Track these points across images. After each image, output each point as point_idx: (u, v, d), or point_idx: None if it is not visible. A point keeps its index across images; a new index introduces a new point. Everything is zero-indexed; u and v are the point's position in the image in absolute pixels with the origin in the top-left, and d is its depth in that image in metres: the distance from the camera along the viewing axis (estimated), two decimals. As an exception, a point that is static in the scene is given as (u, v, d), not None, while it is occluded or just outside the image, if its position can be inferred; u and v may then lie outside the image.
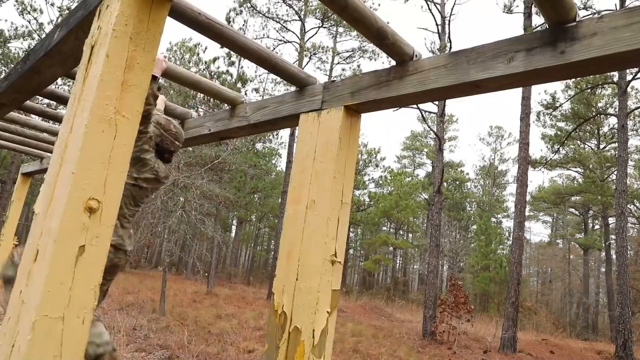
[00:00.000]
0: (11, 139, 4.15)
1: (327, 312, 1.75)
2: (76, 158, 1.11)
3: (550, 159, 23.52)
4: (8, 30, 21.55)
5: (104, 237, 1.15)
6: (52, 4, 20.73)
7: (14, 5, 21.92)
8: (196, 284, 22.60)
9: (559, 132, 23.96)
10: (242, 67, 20.13)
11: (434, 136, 16.43)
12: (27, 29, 21.51)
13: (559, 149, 23.18)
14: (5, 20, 31.45)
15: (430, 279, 13.22)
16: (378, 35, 1.67)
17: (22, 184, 5.47)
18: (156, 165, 2.36)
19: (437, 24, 15.40)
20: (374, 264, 32.88)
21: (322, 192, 1.86)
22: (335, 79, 1.97)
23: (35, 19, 22.09)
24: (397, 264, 41.87)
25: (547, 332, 21.90)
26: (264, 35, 21.24)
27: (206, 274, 21.13)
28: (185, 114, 2.98)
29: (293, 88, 2.24)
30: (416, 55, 1.80)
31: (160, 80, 2.45)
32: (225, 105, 2.65)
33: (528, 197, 21.70)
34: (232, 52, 19.20)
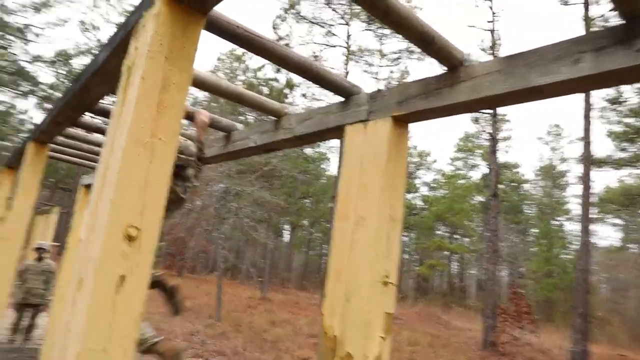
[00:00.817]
0: (72, 153, 4.36)
1: (381, 337, 1.64)
2: (114, 184, 1.08)
3: (618, 157, 21.99)
4: (72, 49, 23.05)
5: (144, 265, 1.11)
6: (110, 22, 21.96)
7: (78, 25, 23.45)
8: (250, 289, 23.01)
9: (627, 129, 22.35)
10: (288, 73, 20.34)
11: (488, 137, 15.80)
12: (88, 47, 22.85)
13: (628, 146, 21.60)
14: (69, 40, 33.59)
15: (488, 286, 12.68)
16: (423, 40, 1.56)
17: (83, 195, 5.74)
18: (177, 188, 2.60)
19: (488, 22, 14.84)
20: (429, 269, 32.11)
21: (370, 207, 1.76)
22: (381, 88, 1.87)
23: (95, 36, 23.54)
24: (453, 269, 40.65)
25: (624, 345, 20.36)
26: (309, 40, 21.35)
27: (260, 279, 21.47)
28: (231, 127, 2.97)
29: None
30: (467, 60, 1.66)
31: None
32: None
33: (594, 199, 20.40)
34: (280, 60, 19.47)
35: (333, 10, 21.19)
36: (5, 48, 23.03)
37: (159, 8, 1.20)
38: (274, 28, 22.54)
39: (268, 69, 23.17)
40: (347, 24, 21.30)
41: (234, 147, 2.91)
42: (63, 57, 24.30)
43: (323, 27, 21.58)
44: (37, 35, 23.41)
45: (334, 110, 2.12)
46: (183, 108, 1.22)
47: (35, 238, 15.56)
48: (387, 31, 22.09)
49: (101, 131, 3.38)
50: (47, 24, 23.26)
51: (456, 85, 1.62)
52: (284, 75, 21.92)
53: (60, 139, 3.80)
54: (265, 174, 16.81)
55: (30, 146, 3.43)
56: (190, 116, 2.83)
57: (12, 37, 22.90)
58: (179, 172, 2.71)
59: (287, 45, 22.62)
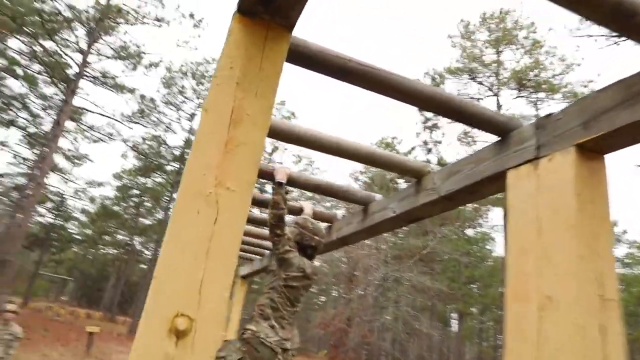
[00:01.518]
0: None
1: None
2: (162, 255, 0.76)
3: None
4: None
5: (201, 377, 0.74)
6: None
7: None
8: (418, 386, 20.97)
9: None
10: (439, 152, 19.81)
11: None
12: (266, 156, 25.87)
13: None
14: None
15: None
16: (619, 14, 1.02)
17: (240, 285, 5.86)
18: (301, 263, 2.43)
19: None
20: (642, 368, 25.61)
21: (561, 282, 1.15)
22: (551, 112, 1.34)
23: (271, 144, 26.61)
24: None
25: None
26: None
27: (428, 376, 19.46)
28: (368, 198, 2.61)
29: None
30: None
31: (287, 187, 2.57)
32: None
33: None
34: (428, 139, 19.19)
35: (479, 83, 20.59)
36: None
37: (231, 26, 0.94)
38: (419, 111, 22.67)
39: (418, 151, 22.95)
40: (495, 94, 20.35)
41: (372, 221, 2.52)
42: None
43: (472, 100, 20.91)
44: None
45: (488, 154, 1.61)
46: (261, 146, 0.89)
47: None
48: (541, 94, 20.44)
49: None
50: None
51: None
52: (434, 156, 21.39)
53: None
54: (423, 258, 15.88)
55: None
56: (298, 211, 3.01)
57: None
58: (311, 253, 2.50)
59: (434, 126, 22.37)
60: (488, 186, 1.64)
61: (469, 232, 28.25)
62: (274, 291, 2.33)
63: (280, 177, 2.42)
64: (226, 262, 0.79)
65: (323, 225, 3.11)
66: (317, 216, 3.11)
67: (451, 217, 20.90)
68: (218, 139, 0.85)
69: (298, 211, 3.06)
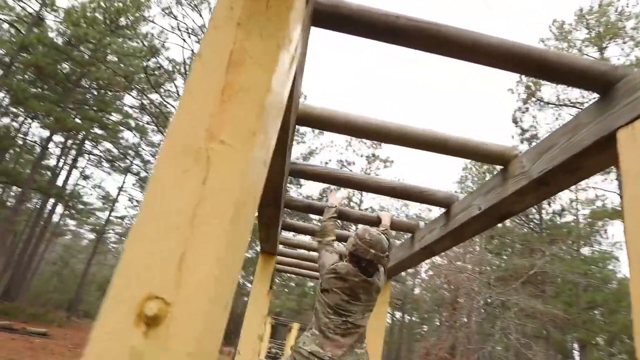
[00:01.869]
0: (297, 264, 4.37)
1: None
2: (136, 222, 0.61)
3: None
4: (332, 184, 26.60)
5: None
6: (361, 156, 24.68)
7: (337, 163, 27.31)
8: None
9: None
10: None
11: None
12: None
13: None
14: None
15: None
16: None
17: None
18: (334, 262, 2.28)
19: None
20: None
21: None
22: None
23: (350, 171, 26.78)
24: None
25: None
26: (558, 125, 19.10)
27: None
28: (449, 199, 2.31)
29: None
30: None
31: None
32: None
33: None
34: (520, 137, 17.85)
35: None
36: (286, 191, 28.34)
37: (231, -37, 0.79)
38: (514, 122, 21.31)
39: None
40: (602, 95, 18.46)
41: (455, 223, 2.22)
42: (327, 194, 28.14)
43: (574, 106, 19.21)
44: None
45: (587, 118, 1.28)
46: (267, 90, 0.71)
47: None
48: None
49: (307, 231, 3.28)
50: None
51: None
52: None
53: (290, 251, 3.81)
54: (532, 279, 14.48)
55: (260, 258, 3.46)
56: (375, 222, 2.84)
57: (289, 185, 28.14)
58: (366, 266, 2.25)
59: (533, 137, 20.77)
60: (592, 158, 1.30)
61: (585, 250, 25.41)
62: (317, 299, 2.24)
63: (333, 200, 2.51)
64: (217, 232, 0.61)
65: (403, 235, 2.85)
66: (396, 226, 2.85)
67: (561, 234, 18.97)
68: (212, 86, 0.69)
69: (375, 222, 2.83)
